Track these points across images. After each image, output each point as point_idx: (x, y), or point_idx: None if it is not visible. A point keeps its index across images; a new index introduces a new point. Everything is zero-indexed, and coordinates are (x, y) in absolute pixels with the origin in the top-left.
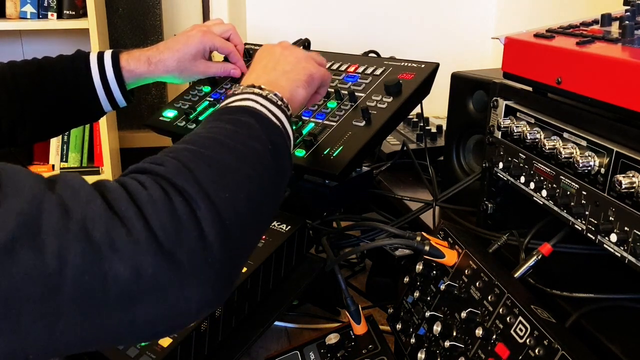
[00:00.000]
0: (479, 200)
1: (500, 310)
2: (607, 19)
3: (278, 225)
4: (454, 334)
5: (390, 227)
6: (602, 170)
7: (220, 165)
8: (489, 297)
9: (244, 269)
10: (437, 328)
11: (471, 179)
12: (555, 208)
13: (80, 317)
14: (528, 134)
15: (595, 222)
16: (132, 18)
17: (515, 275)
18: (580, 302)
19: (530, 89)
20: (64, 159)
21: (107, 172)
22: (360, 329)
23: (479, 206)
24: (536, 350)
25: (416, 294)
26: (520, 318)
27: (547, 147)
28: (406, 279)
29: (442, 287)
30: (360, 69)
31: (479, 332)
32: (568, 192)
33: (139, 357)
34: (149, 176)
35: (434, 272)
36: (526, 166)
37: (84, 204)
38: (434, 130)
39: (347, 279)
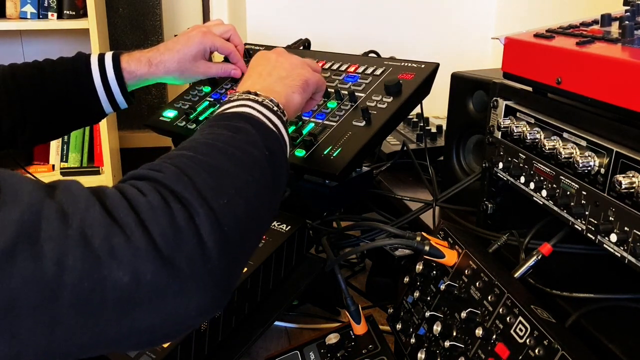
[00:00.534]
0: (479, 200)
1: (500, 310)
2: (607, 19)
3: (278, 225)
4: (454, 334)
5: (390, 227)
6: (602, 171)
7: (218, 171)
8: (489, 297)
9: (244, 269)
10: (437, 328)
11: (471, 179)
12: (555, 208)
13: (79, 323)
14: (528, 134)
15: (595, 222)
16: (132, 18)
17: (515, 275)
18: (580, 302)
19: (530, 89)
20: (64, 159)
21: (107, 172)
22: (360, 329)
23: (479, 206)
24: (536, 350)
25: (416, 294)
26: (520, 318)
27: (547, 147)
28: (406, 279)
29: (442, 287)
30: (360, 69)
31: (479, 332)
32: (568, 192)
33: (139, 357)
34: (148, 183)
35: (434, 272)
36: (526, 166)
37: (83, 210)
38: (434, 130)
39: (347, 279)
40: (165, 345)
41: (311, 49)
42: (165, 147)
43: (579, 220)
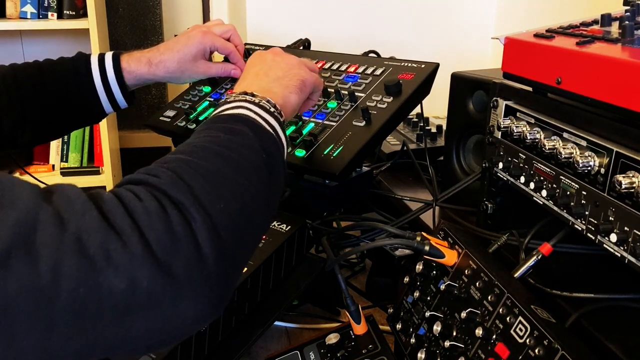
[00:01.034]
0: (479, 200)
1: (500, 310)
2: (607, 19)
3: (278, 225)
4: (454, 334)
5: (390, 227)
6: (602, 170)
7: (215, 175)
8: (489, 297)
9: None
10: (437, 328)
11: (471, 179)
12: (555, 208)
13: (74, 329)
14: (528, 134)
15: (595, 222)
16: (132, 18)
17: (515, 275)
18: (580, 302)
19: (530, 89)
20: (64, 159)
21: (107, 172)
22: (360, 329)
23: (479, 206)
24: (536, 350)
25: (416, 294)
26: (520, 318)
27: (547, 147)
28: (406, 279)
29: (442, 287)
30: (360, 69)
31: (479, 332)
32: (568, 192)
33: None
34: (144, 187)
35: (434, 272)
36: (526, 166)
37: (79, 215)
38: (434, 130)
39: (347, 279)
40: None
41: (311, 49)
42: (165, 147)
43: (579, 220)
